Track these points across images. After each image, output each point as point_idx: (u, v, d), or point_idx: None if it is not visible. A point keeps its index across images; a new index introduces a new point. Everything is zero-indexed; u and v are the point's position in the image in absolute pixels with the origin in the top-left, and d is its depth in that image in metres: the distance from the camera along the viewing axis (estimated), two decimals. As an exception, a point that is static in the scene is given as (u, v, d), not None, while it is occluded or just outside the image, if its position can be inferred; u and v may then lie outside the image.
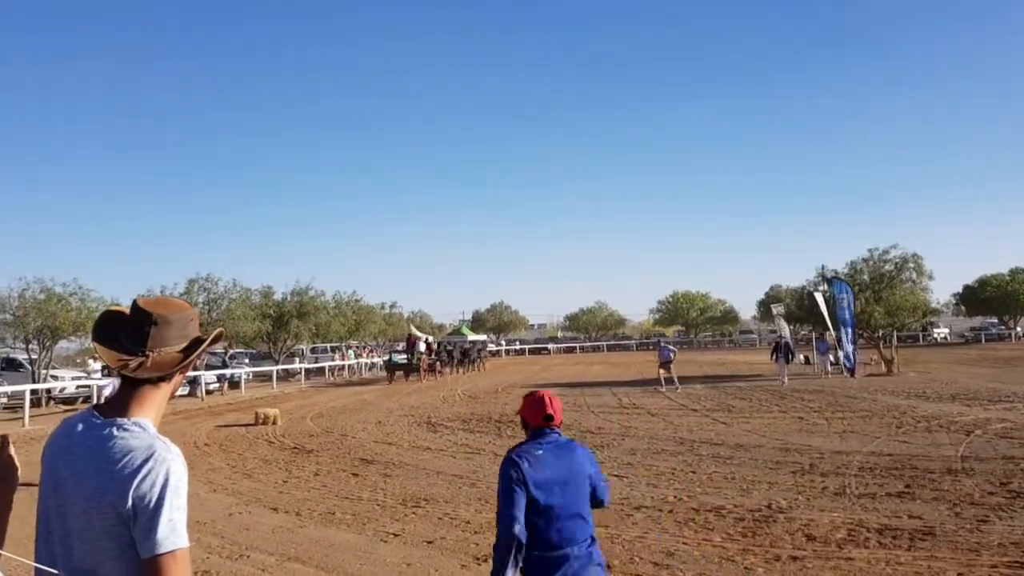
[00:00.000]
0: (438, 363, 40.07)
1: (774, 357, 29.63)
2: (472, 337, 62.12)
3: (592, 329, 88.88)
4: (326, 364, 44.18)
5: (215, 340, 2.15)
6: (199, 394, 29.55)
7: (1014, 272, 64.84)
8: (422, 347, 38.74)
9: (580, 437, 15.26)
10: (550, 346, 78.56)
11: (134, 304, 2.07)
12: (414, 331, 41.76)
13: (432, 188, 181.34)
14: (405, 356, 38.71)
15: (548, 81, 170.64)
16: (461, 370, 43.80)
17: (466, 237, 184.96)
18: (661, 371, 26.83)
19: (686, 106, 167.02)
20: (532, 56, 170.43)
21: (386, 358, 41.67)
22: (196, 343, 2.09)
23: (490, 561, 7.04)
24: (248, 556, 7.59)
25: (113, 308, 2.14)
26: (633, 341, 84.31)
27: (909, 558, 6.73)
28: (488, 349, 59.46)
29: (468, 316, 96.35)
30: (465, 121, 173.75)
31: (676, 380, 26.63)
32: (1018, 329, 64.87)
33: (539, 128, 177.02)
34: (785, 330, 39.69)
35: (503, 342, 57.79)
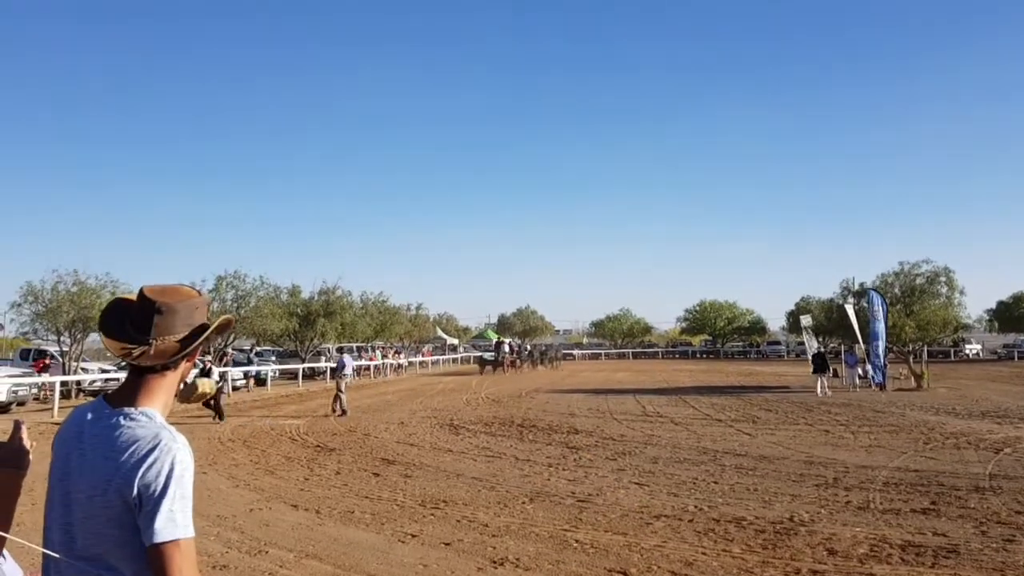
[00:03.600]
0: (518, 360, 50.27)
1: (812, 368, 29.54)
2: (548, 340, 75.90)
3: (618, 336, 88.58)
4: (349, 364, 44.38)
5: (220, 328, 2.16)
6: (226, 390, 29.81)
7: (1049, 288, 63.91)
8: (506, 348, 50.90)
9: (601, 444, 15.21)
10: (575, 352, 78.32)
11: (140, 292, 2.08)
12: (494, 336, 49.36)
13: (462, 192, 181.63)
14: (493, 354, 49.49)
15: (581, 84, 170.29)
16: (540, 366, 52.89)
17: (494, 240, 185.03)
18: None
19: (720, 115, 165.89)
20: (564, 59, 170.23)
21: (478, 355, 54.96)
22: (200, 330, 2.10)
23: (507, 564, 7.05)
24: (267, 552, 7.63)
25: (121, 297, 2.16)
26: (659, 349, 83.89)
27: (932, 574, 6.63)
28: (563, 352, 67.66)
29: (494, 319, 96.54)
30: (492, 124, 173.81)
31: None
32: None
33: (569, 132, 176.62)
34: (812, 342, 39.31)
35: (528, 346, 57.95)
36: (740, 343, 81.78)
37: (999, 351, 67.09)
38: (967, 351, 65.04)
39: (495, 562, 7.19)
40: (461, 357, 64.49)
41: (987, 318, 68.41)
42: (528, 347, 56.84)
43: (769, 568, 6.90)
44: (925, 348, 35.57)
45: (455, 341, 75.90)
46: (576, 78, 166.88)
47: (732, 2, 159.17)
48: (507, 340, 55.76)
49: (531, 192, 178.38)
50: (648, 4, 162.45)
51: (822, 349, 32.96)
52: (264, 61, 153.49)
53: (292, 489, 10.98)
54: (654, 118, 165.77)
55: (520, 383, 35.45)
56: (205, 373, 20.02)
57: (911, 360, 33.50)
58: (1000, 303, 67.15)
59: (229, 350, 35.04)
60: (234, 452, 14.66)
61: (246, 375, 33.15)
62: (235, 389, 30.79)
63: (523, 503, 9.78)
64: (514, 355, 50.91)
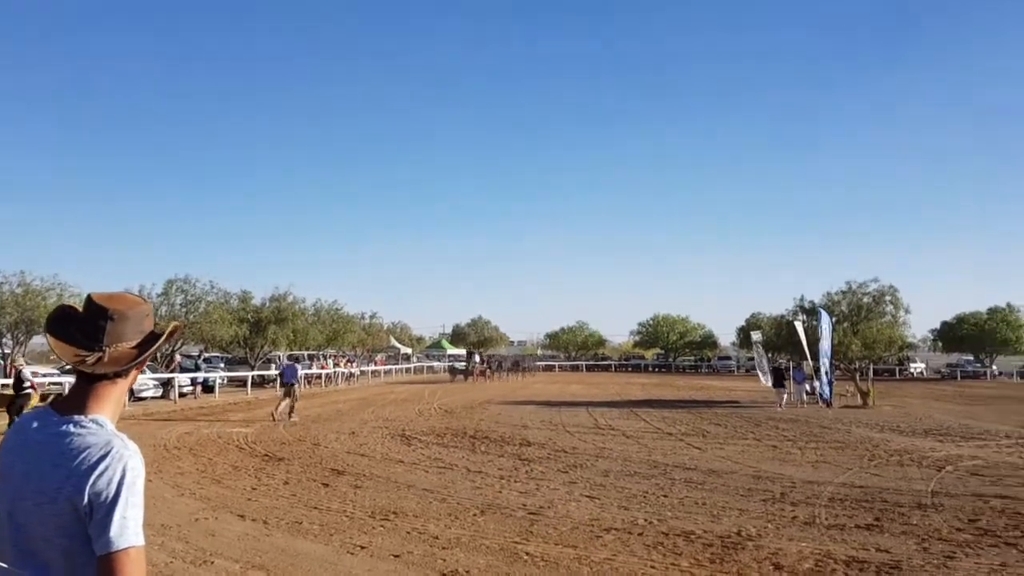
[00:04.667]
0: (488, 370, 53.34)
1: (772, 382, 30.08)
2: (503, 352, 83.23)
3: (572, 348, 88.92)
4: (300, 372, 43.82)
5: (172, 335, 2.12)
6: (172, 396, 29.25)
7: (992, 311, 65.58)
8: (477, 358, 55.44)
9: (553, 456, 15.23)
10: (539, 364, 78.43)
11: (88, 299, 2.04)
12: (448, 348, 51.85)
13: (418, 202, 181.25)
14: (464, 364, 53.55)
15: (538, 94, 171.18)
16: (511, 376, 56.71)
17: (450, 251, 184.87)
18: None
19: (674, 130, 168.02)
20: (519, 67, 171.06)
21: (450, 364, 58.96)
22: (152, 338, 2.07)
23: (456, 577, 7.02)
24: (212, 562, 7.49)
25: (67, 304, 2.11)
26: (612, 362, 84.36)
27: (875, 591, 6.73)
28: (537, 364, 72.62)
29: (448, 330, 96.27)
30: (449, 132, 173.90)
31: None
32: (994, 367, 65.44)
33: (525, 143, 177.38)
34: (763, 358, 39.88)
35: (478, 358, 58.20)
36: (692, 357, 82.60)
37: (943, 370, 68.63)
38: (912, 369, 66.43)
39: (444, 574, 7.14)
40: (415, 367, 64.18)
41: (931, 338, 70.03)
42: (498, 358, 62.33)
43: (717, 582, 6.95)
44: (871, 366, 36.30)
45: (408, 351, 75.58)
46: (528, 83, 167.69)
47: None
48: (477, 351, 63.01)
49: (488, 203, 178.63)
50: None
51: (782, 364, 33.52)
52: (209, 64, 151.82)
53: (239, 498, 10.80)
54: (606, 124, 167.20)
55: (474, 394, 35.37)
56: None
57: (857, 377, 34.13)
58: (944, 323, 68.82)
59: (177, 356, 34.42)
60: (180, 460, 14.38)
61: (193, 381, 32.56)
62: (182, 396, 30.22)
63: (474, 515, 9.74)
64: (484, 365, 54.45)
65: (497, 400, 31.85)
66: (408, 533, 8.75)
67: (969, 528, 9.21)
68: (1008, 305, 65.69)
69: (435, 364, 69.57)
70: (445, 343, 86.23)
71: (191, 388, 32.08)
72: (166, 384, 29.87)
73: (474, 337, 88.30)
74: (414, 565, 7.45)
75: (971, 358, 68.55)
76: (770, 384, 30.67)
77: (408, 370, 61.28)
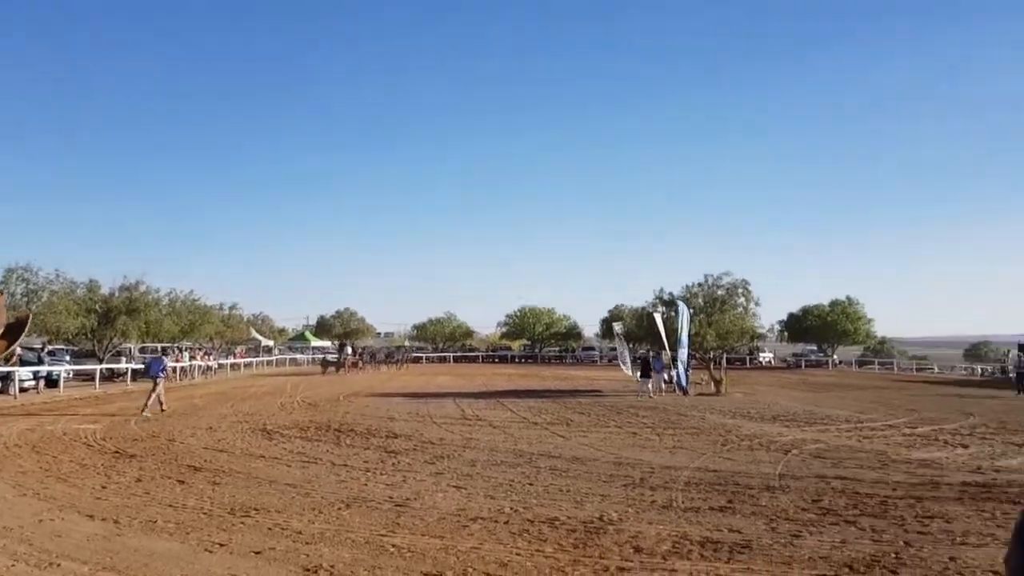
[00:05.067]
0: (360, 361, 52.99)
1: (638, 372, 30.98)
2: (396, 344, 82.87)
3: (440, 339, 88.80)
4: (168, 365, 41.87)
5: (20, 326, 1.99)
6: (12, 392, 27.37)
7: (834, 304, 69.92)
8: (349, 350, 53.76)
9: (420, 447, 15.19)
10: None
11: None
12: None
13: (283, 191, 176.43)
14: (336, 356, 52.26)
15: (394, 90, 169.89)
16: (385, 368, 55.95)
17: (315, 242, 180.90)
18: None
19: (531, 125, 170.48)
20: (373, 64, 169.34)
21: (321, 357, 56.96)
22: (19, 326, 1.93)
23: (322, 572, 6.88)
24: (58, 565, 7.06)
25: None
26: (480, 353, 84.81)
27: (728, 570, 7.06)
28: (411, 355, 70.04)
29: (312, 321, 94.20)
30: (309, 120, 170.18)
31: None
32: (835, 357, 69.82)
33: (387, 135, 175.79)
34: (625, 349, 41.07)
35: (350, 349, 57.18)
36: (557, 348, 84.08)
37: (789, 359, 72.78)
38: (761, 359, 70.04)
39: (308, 570, 7.00)
40: (277, 359, 62.49)
41: (779, 328, 73.96)
42: (371, 350, 62.06)
43: (580, 567, 7.11)
44: (724, 355, 37.98)
45: (270, 343, 73.52)
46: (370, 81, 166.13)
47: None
48: (349, 343, 62.06)
49: (355, 194, 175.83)
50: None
51: (649, 354, 34.62)
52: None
53: (87, 498, 10.23)
54: (477, 112, 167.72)
55: (340, 387, 34.78)
56: None
57: (712, 366, 35.68)
58: (791, 315, 72.80)
59: (17, 348, 32.20)
60: (21, 458, 13.48)
61: (36, 375, 30.56)
62: (23, 391, 28.30)
63: (339, 509, 9.58)
64: (356, 356, 53.71)
65: (364, 392, 31.43)
66: (270, 529, 8.52)
67: (813, 508, 9.79)
68: (848, 298, 70.28)
69: (298, 356, 67.99)
70: (309, 335, 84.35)
71: (33, 383, 30.09)
72: (5, 379, 27.93)
73: (340, 328, 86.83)
74: (276, 561, 7.27)
75: (815, 348, 72.87)
76: (631, 374, 31.64)
77: (270, 363, 59.63)
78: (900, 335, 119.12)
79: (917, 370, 63.08)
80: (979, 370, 61.54)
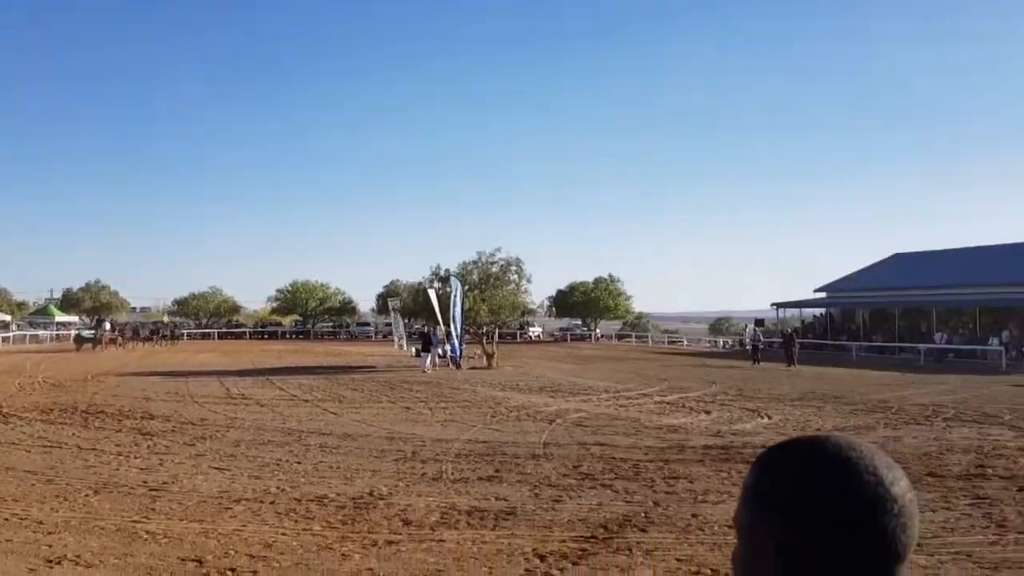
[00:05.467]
0: (119, 338, 50.36)
1: (417, 349, 31.04)
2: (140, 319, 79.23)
3: (204, 315, 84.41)
4: None
5: None
6: None
7: (598, 281, 73.89)
8: (108, 325, 51.93)
9: (179, 429, 14.40)
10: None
11: None
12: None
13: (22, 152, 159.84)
14: (92, 331, 49.24)
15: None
16: (144, 345, 52.53)
17: (61, 208, 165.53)
18: None
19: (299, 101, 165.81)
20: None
21: (76, 332, 52.48)
22: None
23: (66, 562, 6.35)
24: None
25: None
26: (247, 329, 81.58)
27: (493, 536, 7.29)
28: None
29: (58, 295, 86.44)
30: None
31: None
32: (597, 331, 73.84)
33: (144, 95, 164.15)
34: (400, 324, 41.14)
35: (108, 325, 52.99)
36: (331, 324, 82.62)
37: (556, 333, 76.08)
38: (531, 333, 72.65)
39: (51, 561, 6.45)
40: (14, 335, 56.76)
41: (548, 304, 77.01)
42: (132, 325, 60.51)
43: (348, 543, 7.07)
44: (496, 330, 39.05)
45: (7, 318, 66.74)
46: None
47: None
48: (108, 318, 60.32)
49: (110, 159, 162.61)
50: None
51: (428, 329, 34.83)
52: None
53: None
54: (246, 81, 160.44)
55: (88, 365, 32.15)
56: None
57: (484, 341, 36.56)
58: (559, 291, 76.04)
59: None
60: None
61: None
62: None
63: (86, 495, 8.89)
64: (116, 332, 51.23)
65: (117, 371, 29.23)
66: (7, 520, 7.75)
67: (573, 474, 10.32)
68: (610, 276, 74.54)
69: (41, 332, 62.18)
70: (53, 309, 77.34)
71: None
72: None
73: (89, 303, 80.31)
74: (14, 554, 6.63)
75: (579, 322, 76.69)
76: (407, 349, 31.68)
77: (6, 339, 54.04)
78: (656, 310, 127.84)
79: (669, 343, 67.95)
80: (721, 343, 67.33)
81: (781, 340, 39.82)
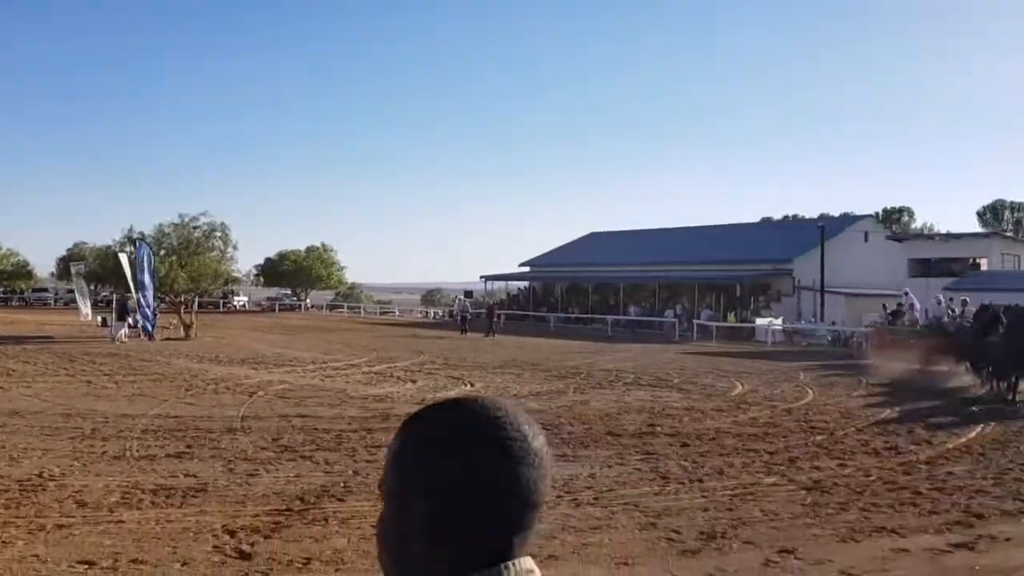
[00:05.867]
0: None
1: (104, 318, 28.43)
2: None
3: None
4: None
5: None
6: None
7: (310, 249, 72.13)
8: None
9: None
10: None
11: None
12: None
13: None
14: None
15: None
16: None
17: None
18: None
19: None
20: None
21: None
22: None
23: None
24: None
25: None
26: None
27: (180, 515, 6.91)
28: None
29: None
30: None
31: None
32: (308, 301, 72.28)
33: None
34: (85, 291, 37.68)
35: None
36: (1, 289, 73.45)
37: (263, 303, 73.28)
38: (235, 303, 69.48)
39: None
40: None
41: (255, 272, 74.12)
42: None
43: (11, 528, 6.37)
44: (196, 299, 36.92)
45: None
46: None
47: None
48: None
49: None
50: None
51: (121, 297, 32.07)
52: None
53: None
54: None
55: None
56: None
57: (182, 310, 34.40)
58: (267, 259, 73.32)
59: None
60: None
61: None
62: None
63: None
64: None
65: None
66: None
67: (272, 446, 10.05)
68: (323, 245, 73.14)
69: None
70: None
71: None
72: None
73: None
74: None
75: (289, 292, 74.58)
76: (92, 318, 29.04)
77: None
78: (369, 281, 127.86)
79: (381, 313, 68.36)
80: (432, 313, 68.87)
81: (485, 311, 41.61)
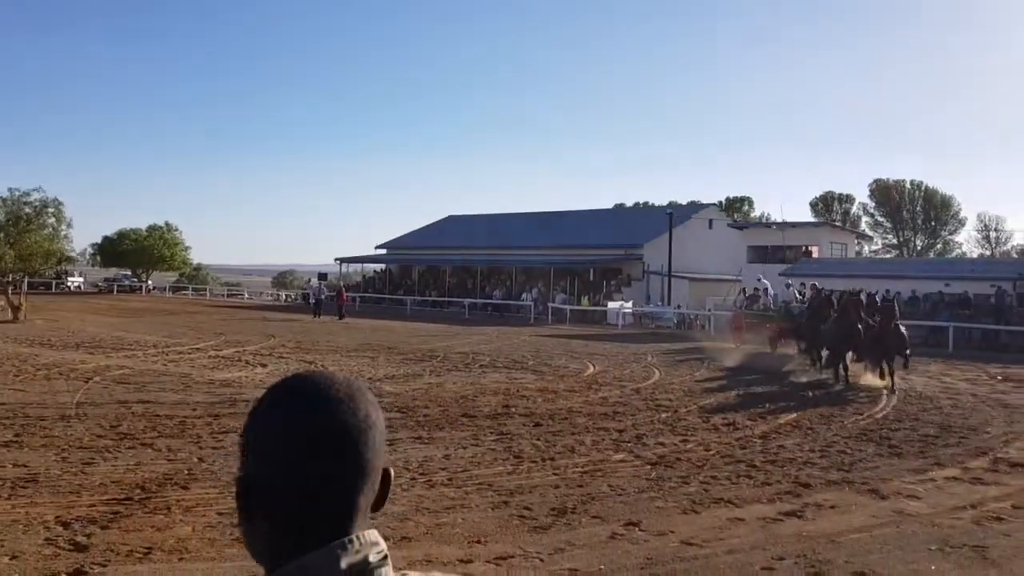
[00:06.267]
0: None
1: None
2: None
3: None
4: None
5: None
6: None
7: (152, 228, 68.26)
8: None
9: None
10: None
11: None
12: None
13: None
14: None
15: None
16: None
17: None
18: None
19: None
20: None
21: None
22: None
23: None
24: None
25: None
26: None
27: (8, 507, 6.47)
28: None
29: None
30: None
31: None
32: (150, 283, 68.67)
33: None
34: None
35: None
36: None
37: (101, 284, 69.15)
38: (70, 283, 65.30)
39: None
40: None
41: (92, 252, 69.81)
42: None
43: None
44: (26, 279, 34.54)
45: None
46: None
47: None
48: None
49: None
50: None
51: None
52: None
53: None
54: None
55: None
56: None
57: (10, 291, 32.10)
58: (105, 238, 69.15)
59: None
60: None
61: None
62: None
63: None
64: None
65: None
66: None
67: (111, 434, 9.55)
68: (167, 224, 69.40)
69: None
70: None
71: None
72: None
73: None
74: None
75: (129, 273, 70.62)
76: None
77: None
78: (216, 263, 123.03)
79: (229, 296, 66.01)
80: (284, 296, 67.09)
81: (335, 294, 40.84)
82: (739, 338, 22.80)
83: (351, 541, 0.95)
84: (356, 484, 0.98)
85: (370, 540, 0.97)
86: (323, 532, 0.95)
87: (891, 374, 15.44)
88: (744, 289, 27.63)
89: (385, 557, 0.97)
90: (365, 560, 0.94)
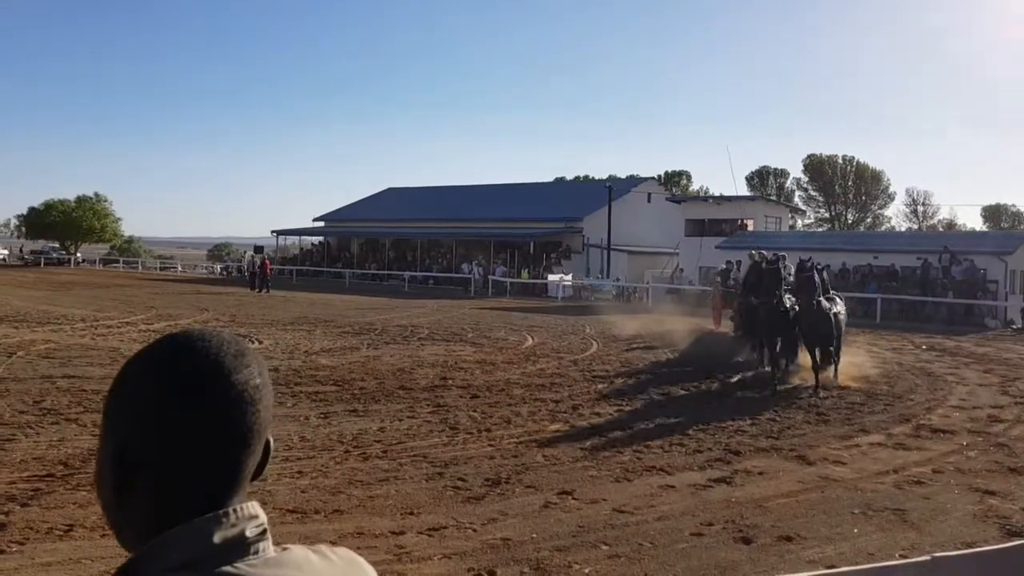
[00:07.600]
0: None
1: None
2: None
3: None
4: None
5: None
6: None
7: (81, 200, 66.05)
8: None
9: None
10: None
11: None
12: None
13: None
14: None
15: None
16: None
17: None
18: None
19: None
20: None
21: None
22: None
23: None
24: None
25: None
26: None
27: (-81, 487, 6.24)
28: None
29: None
30: None
31: None
32: (78, 255, 66.57)
33: None
34: None
35: None
36: None
37: (27, 257, 66.86)
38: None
39: None
40: None
41: (17, 223, 67.43)
42: None
43: None
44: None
45: None
46: None
47: None
48: None
49: None
50: None
51: None
52: None
53: None
54: None
55: None
56: None
57: (-72, 264, 30.86)
58: (31, 209, 66.76)
59: None
60: None
61: None
62: None
63: None
64: None
65: None
66: None
67: (33, 409, 9.27)
68: (96, 195, 67.24)
69: None
70: None
71: None
72: None
73: None
74: None
75: (57, 245, 68.37)
76: None
77: None
78: (149, 235, 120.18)
79: (161, 269, 64.48)
80: (219, 269, 65.72)
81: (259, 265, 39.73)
82: (718, 320, 20.07)
83: (227, 514, 0.88)
84: (241, 450, 0.91)
85: (248, 513, 0.90)
86: (200, 503, 0.88)
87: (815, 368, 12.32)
88: (728, 261, 24.68)
89: (264, 532, 0.90)
90: (241, 534, 0.88)
